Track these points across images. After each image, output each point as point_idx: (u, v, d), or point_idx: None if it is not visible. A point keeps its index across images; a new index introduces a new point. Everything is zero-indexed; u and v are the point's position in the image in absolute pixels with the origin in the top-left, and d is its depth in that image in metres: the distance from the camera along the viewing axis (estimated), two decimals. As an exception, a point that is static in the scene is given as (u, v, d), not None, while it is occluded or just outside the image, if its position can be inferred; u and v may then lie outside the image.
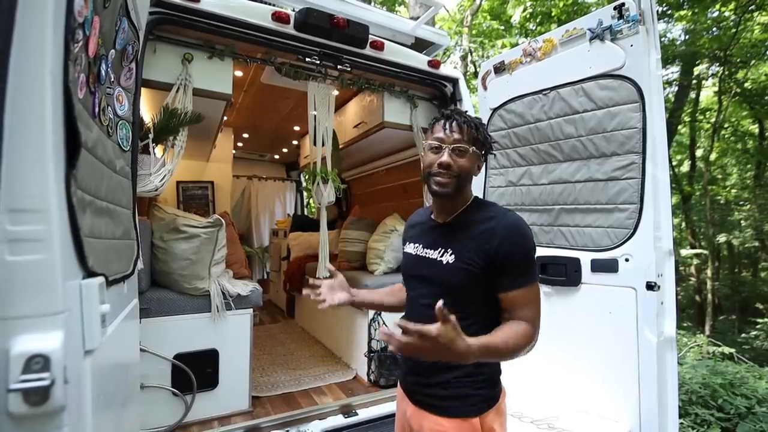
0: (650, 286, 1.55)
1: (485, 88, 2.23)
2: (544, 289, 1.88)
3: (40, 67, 0.65)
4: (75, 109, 0.71)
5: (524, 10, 9.07)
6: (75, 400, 0.64)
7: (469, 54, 9.41)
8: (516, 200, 2.09)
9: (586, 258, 1.76)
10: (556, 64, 1.90)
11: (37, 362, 0.55)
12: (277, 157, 5.68)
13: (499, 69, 2.15)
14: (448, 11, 12.52)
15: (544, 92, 1.95)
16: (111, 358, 1.01)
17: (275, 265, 4.78)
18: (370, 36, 2.18)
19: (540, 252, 1.93)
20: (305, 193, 6.07)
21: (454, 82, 2.51)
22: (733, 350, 4.37)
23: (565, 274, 1.80)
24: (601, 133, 1.75)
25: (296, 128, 4.12)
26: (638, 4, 1.62)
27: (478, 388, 1.04)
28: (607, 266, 1.68)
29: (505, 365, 1.12)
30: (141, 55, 1.52)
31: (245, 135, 4.46)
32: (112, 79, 1.24)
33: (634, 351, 1.56)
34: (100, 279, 0.77)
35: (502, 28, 9.41)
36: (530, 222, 2.02)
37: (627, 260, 1.63)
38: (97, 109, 1.06)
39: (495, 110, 2.18)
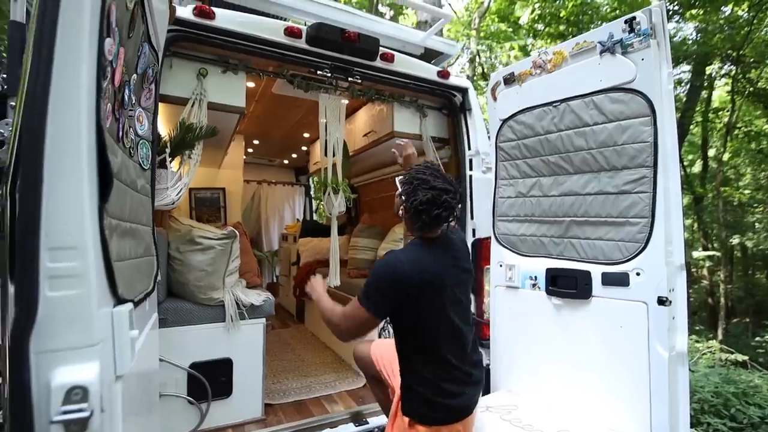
0: (662, 301, 1.55)
1: (495, 99, 2.24)
2: (554, 301, 1.89)
3: (77, 109, 0.69)
4: (107, 143, 0.74)
5: (532, 12, 9.03)
6: (108, 425, 0.67)
7: (477, 56, 9.39)
8: (526, 211, 2.10)
9: (596, 271, 1.76)
10: (567, 76, 1.90)
11: (77, 393, 0.59)
12: (286, 162, 5.74)
13: (509, 80, 2.15)
14: (455, 13, 12.51)
15: (554, 104, 1.96)
16: (137, 375, 1.05)
17: (285, 269, 4.84)
18: (380, 48, 2.21)
19: (550, 264, 1.95)
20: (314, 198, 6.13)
21: (464, 91, 2.53)
22: (746, 357, 4.31)
23: (576, 286, 1.81)
24: (611, 147, 1.75)
25: (306, 135, 4.17)
26: (649, 18, 1.62)
27: (414, 401, 1.33)
28: (618, 280, 1.68)
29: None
30: (159, 74, 1.56)
31: (255, 141, 4.52)
32: (134, 101, 1.28)
33: (645, 365, 1.56)
34: (129, 305, 0.80)
35: (510, 30, 9.37)
36: (540, 233, 2.03)
37: (638, 274, 1.63)
38: (120, 134, 1.10)
39: (505, 121, 2.19)
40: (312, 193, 6.13)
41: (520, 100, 2.10)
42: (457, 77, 2.59)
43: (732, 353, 4.53)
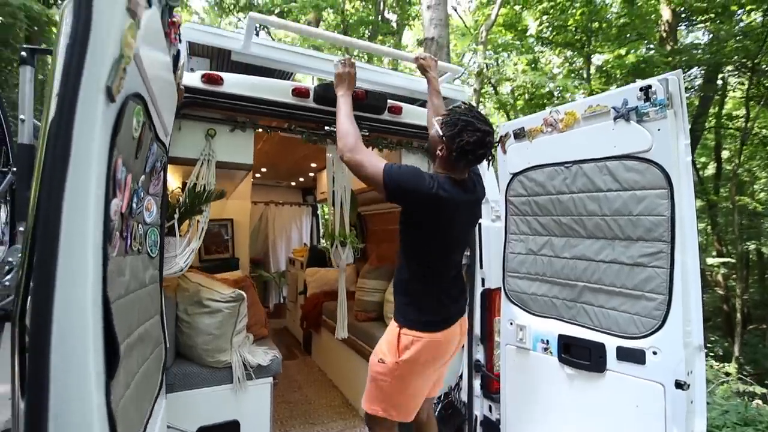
0: (679, 385, 1.50)
1: (504, 151, 2.21)
2: (566, 370, 1.85)
3: (83, 283, 0.67)
4: (113, 314, 0.73)
5: (540, 24, 8.95)
6: None
7: (485, 68, 9.31)
8: (537, 270, 2.06)
9: (611, 344, 1.71)
10: (579, 138, 1.86)
11: None
12: (293, 183, 5.75)
13: (519, 135, 2.12)
14: (464, 21, 12.43)
15: (566, 165, 1.92)
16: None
17: (292, 295, 4.83)
18: (388, 102, 2.19)
19: (562, 329, 1.90)
20: (321, 219, 6.14)
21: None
22: (765, 390, 4.20)
23: (589, 358, 1.76)
24: (626, 216, 1.70)
25: (313, 165, 4.16)
26: (666, 87, 1.58)
27: (401, 310, 1.62)
28: (634, 356, 1.63)
29: None
30: (167, 163, 1.55)
31: (263, 169, 4.53)
32: (142, 196, 1.27)
33: (662, 450, 1.52)
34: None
35: (518, 43, 9.29)
36: (552, 294, 1.99)
37: (655, 353, 1.58)
38: (129, 242, 1.08)
39: (515, 175, 2.15)
40: (318, 211, 6.13)
41: (531, 156, 2.07)
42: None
43: (751, 385, 4.41)
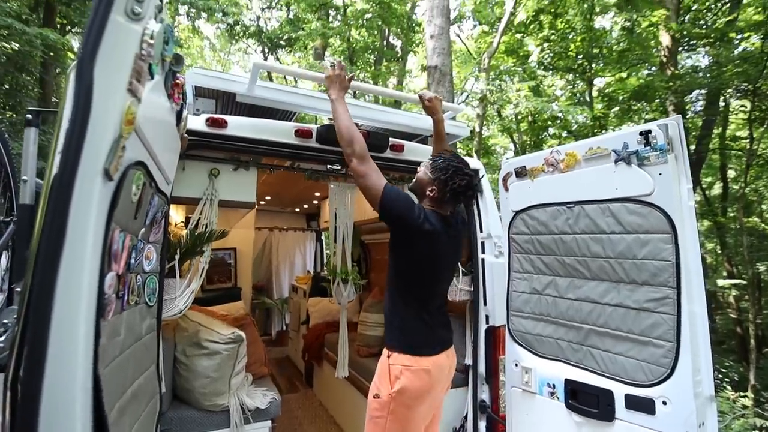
0: (692, 439, 1.43)
1: (506, 189, 2.20)
2: (574, 417, 1.78)
3: (73, 359, 0.67)
4: (102, 392, 0.72)
5: (542, 51, 9.13)
6: None
7: (489, 93, 9.45)
8: (542, 310, 2.02)
9: (619, 390, 1.66)
10: (580, 179, 1.86)
11: None
12: (297, 210, 5.78)
13: (521, 173, 2.12)
14: (467, 46, 12.71)
15: (568, 205, 1.91)
16: None
17: (294, 324, 4.78)
18: (390, 140, 2.22)
19: (569, 374, 1.85)
20: (324, 245, 6.13)
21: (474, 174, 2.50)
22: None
23: (597, 405, 1.70)
24: (630, 259, 1.68)
25: (317, 194, 4.19)
26: (666, 132, 1.58)
27: (392, 334, 1.67)
28: (643, 406, 1.58)
29: None
30: (168, 212, 1.56)
31: (267, 197, 4.56)
32: (141, 247, 1.27)
33: None
34: None
35: (520, 69, 9.45)
36: (558, 336, 1.94)
37: (665, 403, 1.53)
38: (126, 298, 1.08)
39: (517, 213, 2.14)
40: (323, 240, 6.13)
41: (533, 195, 2.06)
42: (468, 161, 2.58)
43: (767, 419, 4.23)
